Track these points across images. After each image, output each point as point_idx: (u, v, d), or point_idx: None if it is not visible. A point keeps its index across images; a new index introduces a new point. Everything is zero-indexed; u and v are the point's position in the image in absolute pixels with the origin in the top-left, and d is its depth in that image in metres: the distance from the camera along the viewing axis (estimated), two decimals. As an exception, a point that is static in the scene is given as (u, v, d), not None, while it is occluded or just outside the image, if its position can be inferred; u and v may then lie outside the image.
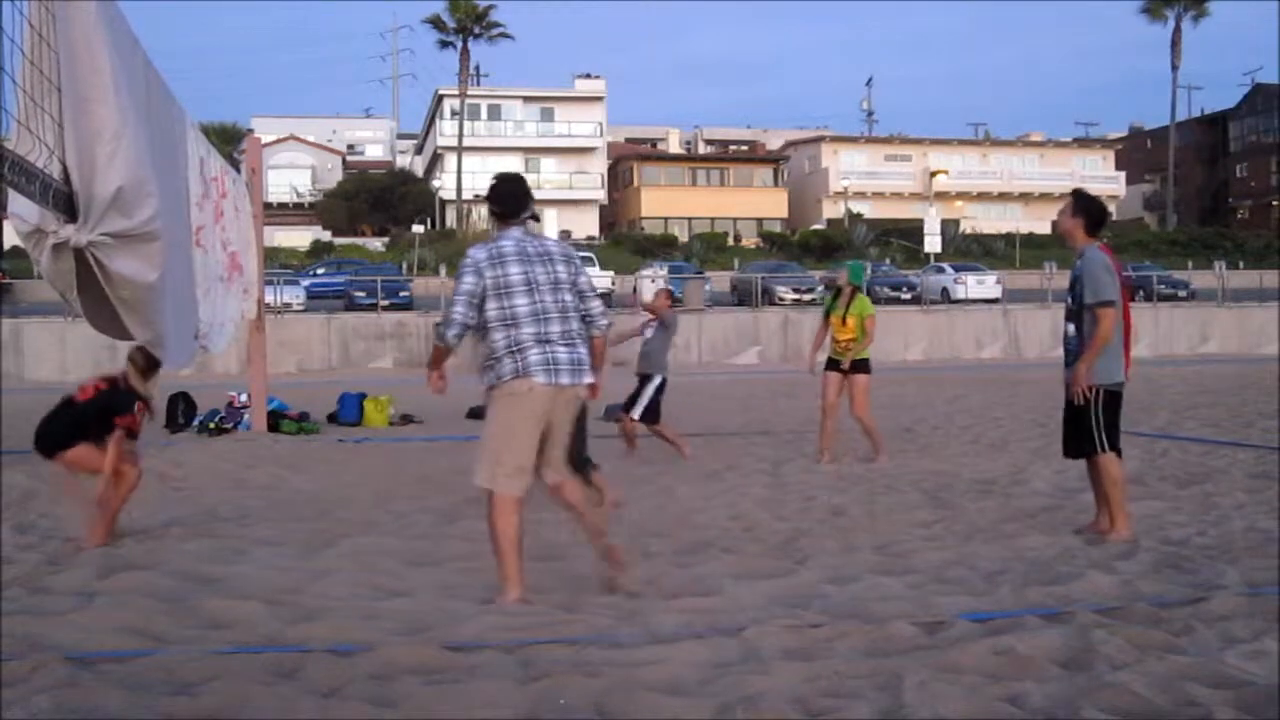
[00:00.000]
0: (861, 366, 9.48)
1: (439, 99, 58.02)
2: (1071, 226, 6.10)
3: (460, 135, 52.96)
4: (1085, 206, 6.15)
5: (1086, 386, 5.94)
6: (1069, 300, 6.12)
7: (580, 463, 7.89)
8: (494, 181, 5.10)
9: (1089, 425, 5.99)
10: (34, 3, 3.89)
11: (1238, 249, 50.51)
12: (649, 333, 10.07)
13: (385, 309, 31.10)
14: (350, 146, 70.53)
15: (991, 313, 33.73)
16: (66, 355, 24.81)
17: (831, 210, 58.42)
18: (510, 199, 5.00)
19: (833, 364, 9.61)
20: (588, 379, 4.92)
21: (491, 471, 4.75)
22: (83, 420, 6.31)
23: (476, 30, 52.77)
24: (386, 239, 51.83)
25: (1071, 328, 6.07)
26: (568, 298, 4.90)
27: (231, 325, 9.83)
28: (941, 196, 56.03)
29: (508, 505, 4.74)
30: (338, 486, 8.66)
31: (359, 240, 52.03)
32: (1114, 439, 6.03)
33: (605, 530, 5.17)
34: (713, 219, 57.84)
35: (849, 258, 43.21)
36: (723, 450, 10.63)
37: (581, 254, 41.17)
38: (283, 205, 58.32)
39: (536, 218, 5.09)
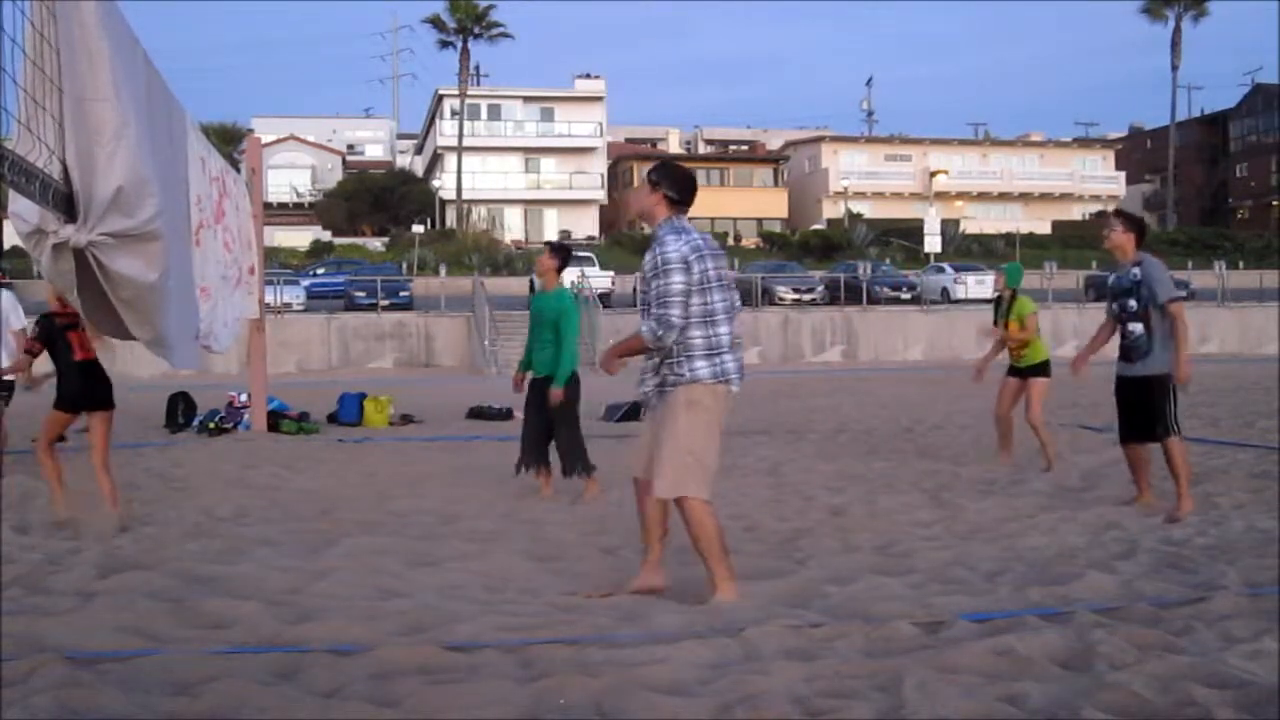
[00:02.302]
0: (1041, 370, 9.45)
1: (439, 99, 58.00)
2: (1125, 241, 6.88)
3: (460, 135, 52.95)
4: (1135, 222, 7.01)
5: (1167, 375, 6.77)
6: (1131, 303, 6.82)
7: (573, 460, 7.91)
8: (669, 167, 4.81)
9: (1164, 411, 6.83)
10: (35, 2, 3.89)
11: (1238, 249, 50.53)
12: None
13: (385, 309, 31.12)
14: (350, 146, 70.51)
15: (992, 313, 33.65)
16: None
17: (831, 210, 58.39)
18: (690, 183, 4.74)
19: (1012, 370, 9.63)
20: None
21: (701, 480, 4.73)
22: None
23: (476, 30, 52.81)
24: (386, 239, 51.84)
25: (1140, 327, 6.81)
26: (731, 296, 4.78)
27: (235, 325, 9.84)
28: (941, 196, 56.01)
29: (708, 506, 4.75)
30: (338, 486, 8.66)
31: (359, 240, 52.05)
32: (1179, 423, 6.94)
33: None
34: (713, 219, 57.72)
35: (849, 258, 43.24)
36: (722, 450, 10.59)
37: (582, 254, 40.79)
38: (283, 205, 58.30)
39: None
